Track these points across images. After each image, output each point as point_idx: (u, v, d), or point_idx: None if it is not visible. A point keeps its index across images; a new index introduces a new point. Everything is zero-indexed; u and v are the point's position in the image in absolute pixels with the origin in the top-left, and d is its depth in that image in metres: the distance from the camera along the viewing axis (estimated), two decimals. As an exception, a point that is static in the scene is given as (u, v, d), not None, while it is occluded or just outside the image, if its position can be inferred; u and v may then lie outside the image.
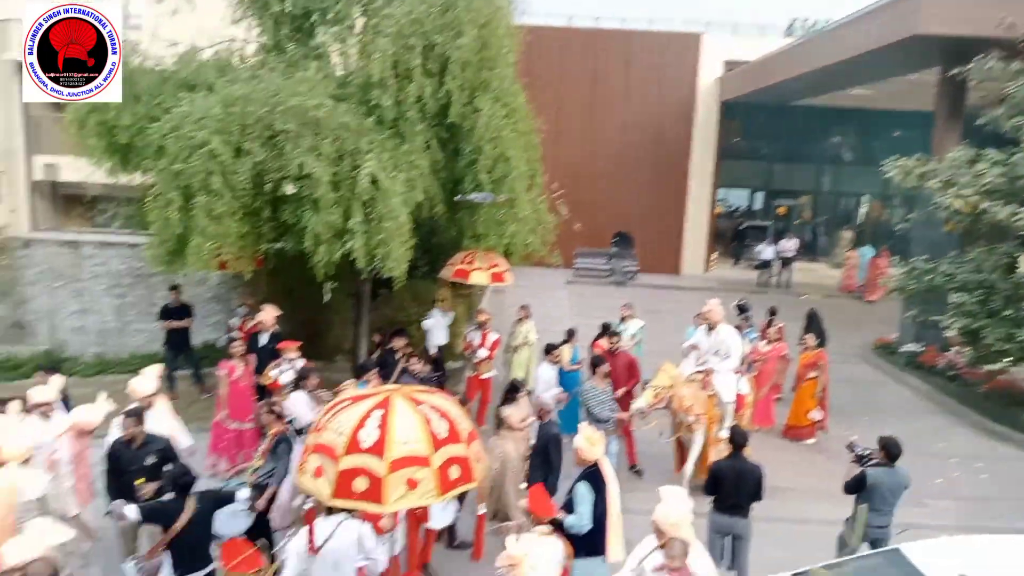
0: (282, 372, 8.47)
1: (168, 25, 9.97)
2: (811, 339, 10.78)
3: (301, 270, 9.20)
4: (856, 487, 6.40)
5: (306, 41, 10.17)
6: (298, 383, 7.90)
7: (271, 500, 6.36)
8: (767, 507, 6.79)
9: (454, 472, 4.27)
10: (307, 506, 5.08)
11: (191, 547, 5.17)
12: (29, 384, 7.35)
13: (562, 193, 11.45)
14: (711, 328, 8.97)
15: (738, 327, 10.63)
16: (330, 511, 4.88)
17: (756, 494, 6.45)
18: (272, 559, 5.23)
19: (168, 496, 5.34)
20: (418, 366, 8.87)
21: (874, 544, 6.30)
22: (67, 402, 7.13)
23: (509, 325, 11.50)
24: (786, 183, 28.79)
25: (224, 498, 5.52)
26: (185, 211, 8.22)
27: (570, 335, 10.56)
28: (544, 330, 11.60)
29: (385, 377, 8.25)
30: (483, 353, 10.38)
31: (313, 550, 4.81)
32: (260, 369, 8.80)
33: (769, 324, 11.46)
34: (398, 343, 9.46)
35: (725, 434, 8.21)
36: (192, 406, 10.55)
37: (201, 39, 10.20)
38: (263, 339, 9.46)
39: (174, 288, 11.67)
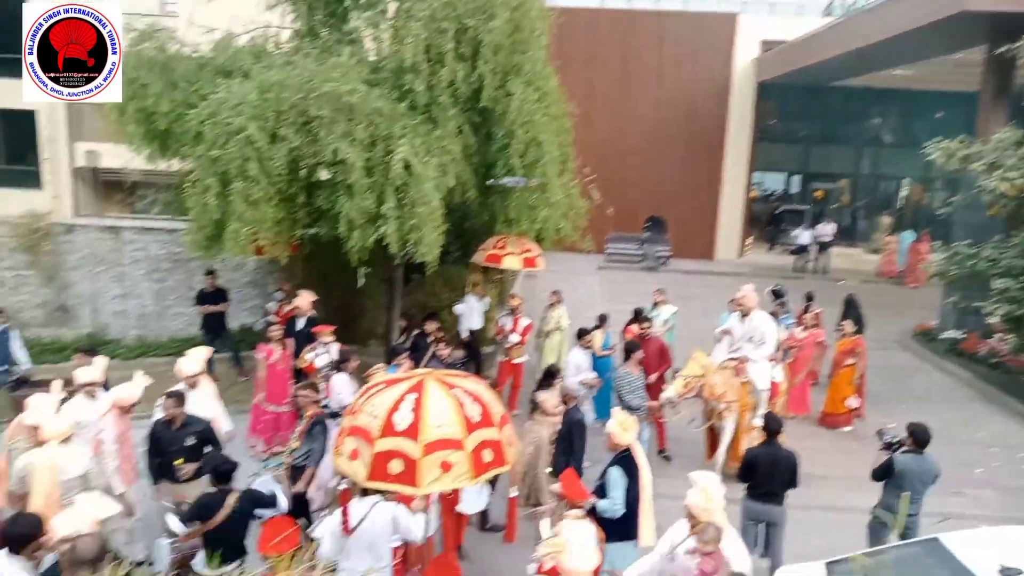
0: (317, 355, 8.61)
1: (204, 12, 10.09)
2: (849, 325, 10.60)
3: (335, 255, 9.31)
4: (884, 474, 6.33)
5: (339, 26, 10.21)
6: (339, 366, 8.10)
7: (308, 480, 6.50)
8: (801, 495, 6.74)
9: (487, 455, 4.30)
10: (341, 487, 5.16)
11: (226, 540, 5.28)
12: (71, 367, 7.58)
13: (594, 177, 11.37)
14: (744, 315, 8.86)
15: (773, 313, 10.51)
16: (365, 492, 4.96)
17: (791, 481, 6.40)
18: (309, 539, 5.33)
19: (210, 488, 5.46)
20: (446, 351, 8.94)
21: (903, 533, 6.20)
22: (105, 386, 7.33)
23: (541, 310, 11.51)
24: (824, 166, 28.23)
25: (263, 499, 5.65)
26: (222, 197, 8.34)
27: (602, 321, 10.52)
28: (575, 315, 11.57)
29: (416, 361, 8.34)
30: (515, 338, 10.41)
31: (347, 531, 4.90)
32: (297, 353, 8.94)
33: (806, 310, 11.29)
34: (430, 327, 9.54)
35: (758, 422, 8.13)
36: (231, 388, 10.76)
37: (236, 26, 10.30)
38: (300, 323, 9.62)
39: (210, 273, 11.88)
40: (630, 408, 7.88)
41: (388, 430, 4.17)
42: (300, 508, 6.36)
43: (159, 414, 6.56)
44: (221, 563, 5.13)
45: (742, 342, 8.84)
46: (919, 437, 6.32)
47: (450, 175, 8.90)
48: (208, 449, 6.40)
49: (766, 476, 6.36)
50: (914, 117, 25.48)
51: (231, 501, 5.30)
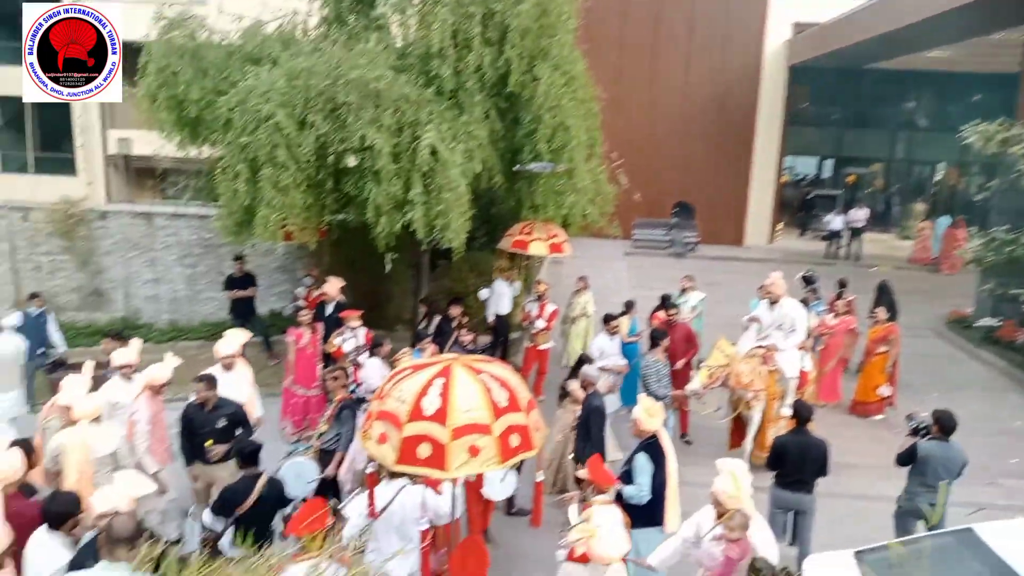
0: (345, 340, 8.69)
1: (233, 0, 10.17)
2: (882, 312, 10.42)
3: (363, 241, 9.37)
4: (907, 460, 6.26)
5: (367, 12, 10.23)
6: (372, 350, 8.21)
7: (339, 463, 6.59)
8: (830, 483, 6.67)
9: (514, 440, 4.30)
10: (368, 470, 5.23)
11: (254, 525, 5.33)
12: (100, 351, 7.76)
13: (621, 162, 11.28)
14: (773, 302, 8.73)
15: (804, 300, 10.36)
16: (393, 476, 5.00)
17: (821, 469, 6.33)
18: (339, 518, 5.39)
19: (237, 474, 5.56)
20: (467, 338, 8.96)
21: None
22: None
23: (567, 296, 11.48)
24: (857, 150, 27.63)
25: (286, 491, 5.77)
26: (252, 183, 8.44)
27: (628, 307, 10.47)
28: (602, 301, 11.53)
29: (441, 346, 8.40)
30: (541, 324, 10.40)
31: (373, 514, 4.95)
32: (327, 338, 9.04)
33: (839, 296, 11.09)
34: (454, 311, 9.57)
35: (787, 412, 8.05)
36: (261, 372, 10.84)
37: (265, 13, 10.37)
38: (328, 309, 9.71)
39: (238, 259, 12.03)
40: (656, 397, 7.86)
41: (416, 415, 4.20)
42: (331, 490, 6.45)
43: (193, 397, 6.69)
44: (248, 544, 5.22)
45: (771, 330, 8.72)
46: (944, 424, 6.23)
47: (477, 161, 8.89)
48: (239, 432, 6.51)
49: (796, 464, 6.30)
50: (950, 100, 24.82)
51: (260, 485, 5.39)
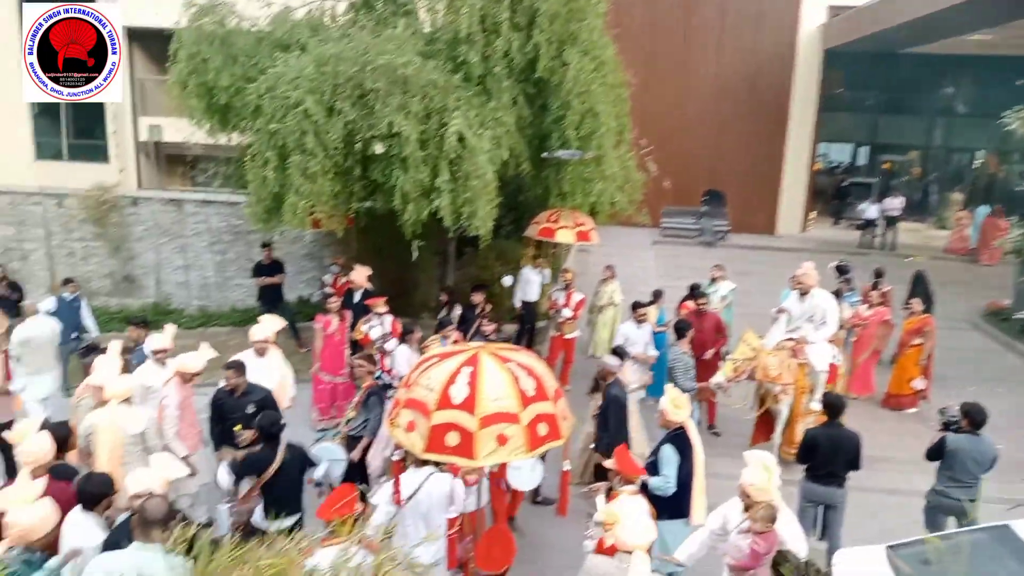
0: (371, 327, 8.72)
1: (262, -14, 10.20)
2: (917, 303, 10.19)
3: (390, 228, 9.37)
4: (936, 454, 6.15)
5: (394, -2, 10.18)
6: (403, 337, 8.28)
7: (366, 450, 6.62)
8: (862, 477, 6.57)
9: (542, 429, 4.29)
10: (395, 458, 5.25)
11: (281, 494, 5.46)
12: (124, 337, 7.93)
13: (651, 149, 11.14)
14: (804, 293, 8.55)
15: (837, 291, 10.17)
16: (420, 464, 5.01)
17: (853, 462, 6.22)
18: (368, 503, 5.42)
19: (259, 446, 5.64)
20: (489, 327, 8.94)
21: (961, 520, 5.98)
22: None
23: (594, 285, 11.39)
24: (893, 137, 27.02)
25: (309, 455, 5.87)
26: (281, 170, 8.47)
27: (657, 296, 10.37)
28: (629, 290, 11.43)
29: (465, 333, 8.40)
30: (567, 313, 10.34)
31: (398, 501, 4.97)
32: (354, 325, 9.08)
33: (874, 287, 10.84)
34: (477, 298, 9.56)
35: (815, 406, 7.90)
36: (289, 358, 10.95)
37: (294, -1, 10.38)
38: (356, 296, 9.76)
39: (266, 246, 12.12)
40: (683, 389, 7.77)
41: (445, 403, 4.20)
42: (359, 475, 6.49)
43: (223, 383, 6.76)
44: (280, 517, 5.29)
45: (801, 321, 8.55)
46: (974, 417, 6.11)
47: (504, 148, 8.83)
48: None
49: (827, 457, 6.18)
50: (990, 85, 24.06)
51: (281, 453, 5.49)
